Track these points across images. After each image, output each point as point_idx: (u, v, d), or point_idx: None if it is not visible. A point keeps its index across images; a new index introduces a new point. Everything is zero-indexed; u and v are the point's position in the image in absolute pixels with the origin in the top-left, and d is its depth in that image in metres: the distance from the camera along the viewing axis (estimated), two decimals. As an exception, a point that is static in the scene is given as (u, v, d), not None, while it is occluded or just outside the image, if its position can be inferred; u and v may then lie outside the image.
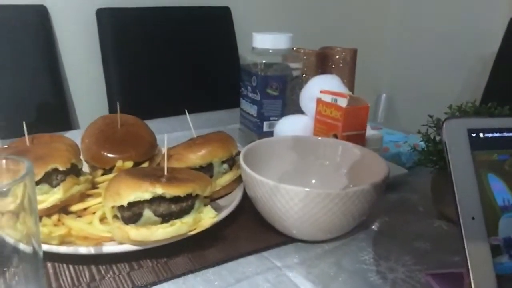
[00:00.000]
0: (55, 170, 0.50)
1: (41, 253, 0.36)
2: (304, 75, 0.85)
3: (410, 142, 0.75)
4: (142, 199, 0.43)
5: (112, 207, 0.45)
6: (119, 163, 0.61)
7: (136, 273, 0.44)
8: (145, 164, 0.63)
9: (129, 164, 0.61)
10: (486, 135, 0.42)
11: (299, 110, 0.75)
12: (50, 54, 1.07)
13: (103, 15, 1.15)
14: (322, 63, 0.94)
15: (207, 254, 0.48)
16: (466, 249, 0.38)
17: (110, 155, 0.61)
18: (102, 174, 0.61)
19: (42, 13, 1.08)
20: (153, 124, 0.88)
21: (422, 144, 0.57)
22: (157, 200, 0.43)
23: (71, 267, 0.45)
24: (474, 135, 0.41)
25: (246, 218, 0.54)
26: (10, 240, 0.36)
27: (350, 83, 1.00)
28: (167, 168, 0.48)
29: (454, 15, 1.69)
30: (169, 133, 0.90)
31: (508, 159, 0.42)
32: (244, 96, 0.81)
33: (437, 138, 0.55)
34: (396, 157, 0.73)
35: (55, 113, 1.05)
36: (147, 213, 0.43)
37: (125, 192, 0.43)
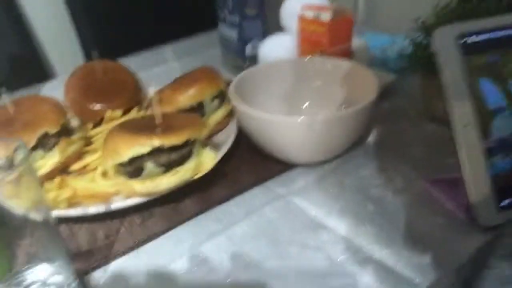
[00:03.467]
0: (46, 134, 0.49)
1: (52, 218, 0.37)
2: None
3: (396, 44, 0.74)
4: (141, 154, 0.43)
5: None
6: (108, 114, 0.60)
7: (148, 222, 0.46)
8: (134, 111, 0.62)
9: (118, 113, 0.60)
10: (475, 38, 0.41)
11: (280, 28, 0.72)
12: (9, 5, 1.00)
13: None
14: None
15: (213, 192, 0.49)
16: (460, 156, 0.40)
17: (97, 107, 0.60)
18: (93, 127, 0.60)
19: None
20: (131, 62, 0.85)
21: (409, 47, 0.56)
22: (156, 151, 0.43)
23: (85, 226, 0.46)
24: (463, 41, 0.41)
25: (243, 150, 0.55)
26: (19, 211, 0.37)
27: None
28: (161, 116, 0.47)
29: None
30: (149, 68, 0.88)
31: (498, 60, 0.42)
32: (222, 20, 0.78)
33: (424, 42, 0.55)
34: (383, 62, 0.72)
35: (27, 64, 1.00)
36: (149, 165, 0.44)
37: (123, 149, 0.43)
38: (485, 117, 0.40)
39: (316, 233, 0.42)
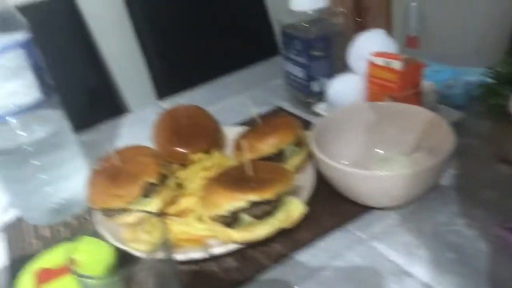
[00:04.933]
0: (148, 183, 0.56)
1: (173, 258, 0.41)
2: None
3: (459, 79, 0.76)
4: (239, 208, 0.48)
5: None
6: (193, 157, 0.66)
7: (242, 265, 0.51)
8: (215, 152, 0.68)
9: (202, 155, 0.66)
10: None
11: (346, 66, 0.76)
12: (85, 41, 1.09)
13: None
14: (357, 3, 0.92)
15: (297, 235, 0.53)
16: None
17: (183, 150, 0.66)
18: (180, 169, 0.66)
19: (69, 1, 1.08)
20: (200, 95, 0.91)
21: (473, 78, 0.58)
22: (251, 204, 0.48)
23: (183, 267, 0.52)
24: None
25: (322, 190, 0.58)
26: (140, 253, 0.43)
27: (386, 12, 0.99)
28: (249, 166, 0.52)
29: None
30: (218, 102, 0.94)
31: None
32: (288, 59, 0.82)
33: (495, 88, 0.57)
34: (448, 98, 0.74)
35: (104, 99, 1.09)
36: (245, 217, 0.49)
37: (222, 203, 0.48)
38: None
39: (400, 279, 0.46)
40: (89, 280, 0.37)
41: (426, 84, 0.66)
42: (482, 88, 0.58)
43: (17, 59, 0.57)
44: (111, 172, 0.56)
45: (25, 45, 0.58)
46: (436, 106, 0.67)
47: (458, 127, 0.67)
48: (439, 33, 1.16)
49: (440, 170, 0.52)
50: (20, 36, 0.58)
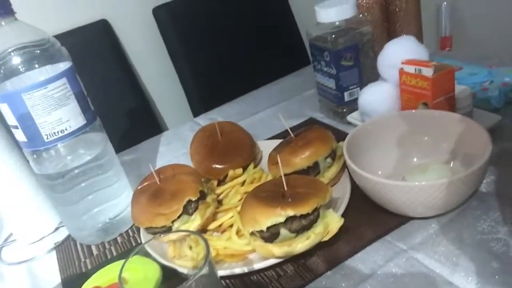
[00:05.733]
0: (189, 201, 0.58)
1: (216, 274, 0.42)
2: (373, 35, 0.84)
3: (495, 80, 0.75)
4: (277, 223, 0.49)
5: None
6: (231, 173, 0.68)
7: (283, 279, 0.52)
8: (251, 166, 0.69)
9: (239, 171, 0.68)
10: None
11: (376, 73, 0.76)
12: (122, 64, 1.14)
13: (159, 12, 1.18)
14: (385, 10, 0.92)
15: (337, 248, 0.54)
16: None
17: (220, 167, 0.68)
18: (217, 184, 0.68)
19: (105, 27, 1.13)
20: (234, 109, 0.92)
21: (510, 79, 0.57)
22: (289, 219, 0.49)
23: (227, 282, 0.53)
24: None
25: (358, 201, 0.58)
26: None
27: (417, 17, 0.98)
28: (285, 181, 0.53)
29: None
30: (250, 116, 0.96)
31: None
32: (318, 70, 0.83)
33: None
34: (484, 101, 0.73)
35: (142, 120, 1.13)
36: (283, 231, 0.50)
37: (262, 219, 0.50)
38: None
39: (443, 290, 0.46)
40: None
41: (460, 88, 0.65)
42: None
43: (61, 89, 0.61)
44: (154, 191, 0.59)
45: (67, 74, 0.62)
46: (471, 110, 0.66)
47: (495, 131, 0.66)
48: (473, 33, 1.13)
49: (479, 177, 0.52)
50: (63, 65, 0.62)
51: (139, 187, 0.62)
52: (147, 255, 0.45)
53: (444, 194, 0.50)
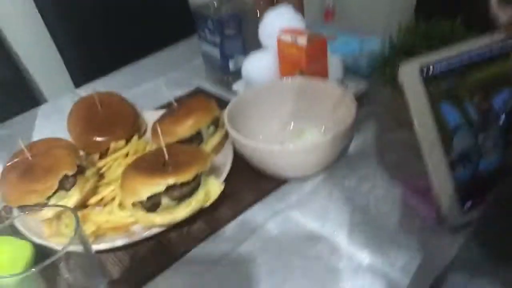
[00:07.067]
0: (66, 176, 0.55)
1: (91, 250, 0.42)
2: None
3: (365, 50, 0.81)
4: (157, 192, 0.49)
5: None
6: (113, 145, 0.65)
7: (167, 247, 0.52)
8: (135, 138, 0.67)
9: (122, 143, 0.66)
10: (434, 69, 0.48)
11: (259, 43, 0.78)
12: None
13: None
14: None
15: (218, 214, 0.55)
16: (429, 171, 0.47)
17: (101, 139, 0.66)
18: (99, 158, 0.66)
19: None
20: (117, 80, 0.88)
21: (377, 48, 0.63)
22: (170, 187, 0.50)
23: (111, 255, 0.52)
24: (425, 71, 0.48)
25: (239, 168, 0.60)
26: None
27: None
28: (166, 150, 0.53)
29: None
30: (136, 86, 0.93)
31: (454, 84, 0.49)
32: (203, 39, 0.83)
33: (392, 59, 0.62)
34: (355, 69, 0.79)
35: (15, 91, 1.03)
36: (164, 200, 0.50)
37: (141, 189, 0.49)
38: (447, 135, 0.48)
39: (315, 244, 0.50)
40: (6, 279, 0.37)
41: (333, 58, 0.70)
42: (381, 58, 0.63)
43: None
44: (25, 167, 0.55)
45: None
46: (343, 78, 0.72)
47: (363, 96, 0.72)
48: (353, 5, 1.21)
49: (346, 138, 0.57)
50: None
51: (8, 164, 0.57)
52: (16, 234, 0.43)
53: (315, 155, 0.54)
